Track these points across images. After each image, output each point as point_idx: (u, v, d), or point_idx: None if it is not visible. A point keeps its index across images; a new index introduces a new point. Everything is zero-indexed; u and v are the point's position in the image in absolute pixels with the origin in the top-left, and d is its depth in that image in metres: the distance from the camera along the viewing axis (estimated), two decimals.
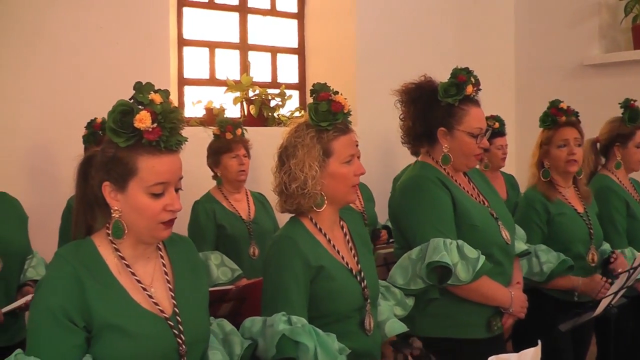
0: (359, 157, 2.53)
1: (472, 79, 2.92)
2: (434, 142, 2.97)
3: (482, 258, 2.77)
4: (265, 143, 4.66)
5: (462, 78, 2.90)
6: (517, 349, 3.16)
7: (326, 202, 2.45)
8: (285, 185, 2.42)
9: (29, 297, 3.18)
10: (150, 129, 1.91)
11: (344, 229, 2.58)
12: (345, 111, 2.45)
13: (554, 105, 3.60)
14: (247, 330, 2.37)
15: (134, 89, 1.96)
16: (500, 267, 2.91)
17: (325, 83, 2.51)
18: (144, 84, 1.97)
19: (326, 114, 2.41)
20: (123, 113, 1.92)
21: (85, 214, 2.07)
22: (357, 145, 2.54)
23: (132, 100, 1.95)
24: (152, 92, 1.95)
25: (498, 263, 2.89)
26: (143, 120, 1.90)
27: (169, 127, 1.93)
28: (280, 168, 2.46)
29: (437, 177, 2.90)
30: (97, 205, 2.04)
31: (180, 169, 2.01)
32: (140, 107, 1.93)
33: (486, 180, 3.18)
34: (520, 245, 3.14)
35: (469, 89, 2.90)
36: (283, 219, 4.45)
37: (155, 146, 1.93)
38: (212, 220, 4.13)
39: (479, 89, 2.96)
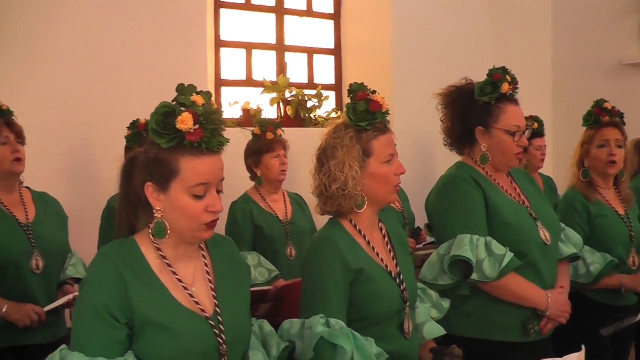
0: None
1: (508, 77, 2.92)
2: (474, 142, 2.97)
3: (510, 255, 2.75)
4: (302, 144, 4.68)
5: (498, 76, 2.90)
6: (557, 353, 3.10)
7: (367, 203, 2.44)
8: (325, 186, 2.41)
9: (70, 297, 3.24)
10: (192, 130, 1.92)
11: (383, 231, 2.56)
12: (384, 110, 2.44)
13: (599, 104, 3.56)
14: (286, 332, 2.37)
15: (177, 91, 1.97)
16: (535, 267, 2.87)
17: (363, 83, 2.50)
18: (186, 86, 1.98)
19: (365, 113, 2.40)
20: (165, 115, 1.94)
21: (128, 214, 2.09)
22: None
23: (174, 102, 1.96)
24: (194, 94, 1.96)
25: (533, 263, 2.86)
26: (185, 121, 1.91)
27: (211, 128, 1.94)
28: (320, 170, 2.44)
29: (471, 176, 2.90)
30: (140, 205, 2.06)
31: (221, 170, 2.02)
32: (182, 109, 1.94)
33: (534, 183, 3.16)
34: (569, 249, 3.07)
35: (505, 87, 2.90)
36: (320, 220, 4.47)
37: (197, 147, 1.94)
38: (249, 220, 4.14)
39: (517, 88, 2.96)
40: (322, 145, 2.46)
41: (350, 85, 2.50)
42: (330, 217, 2.52)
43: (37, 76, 4.18)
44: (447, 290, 2.83)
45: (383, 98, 2.46)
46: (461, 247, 2.74)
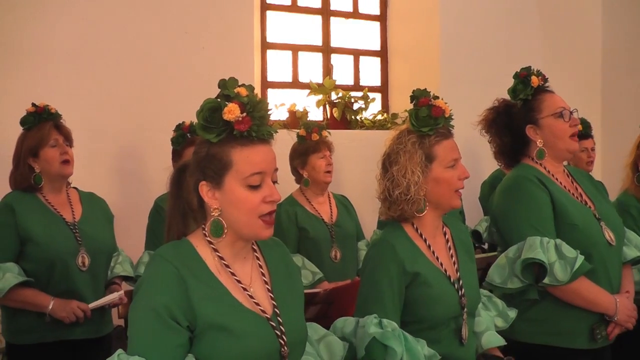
0: None
1: (534, 72, 2.95)
2: (529, 143, 2.94)
3: (581, 258, 2.70)
4: (348, 146, 4.68)
5: (523, 74, 2.95)
6: None
7: (429, 207, 2.45)
8: (389, 191, 2.43)
9: (115, 295, 3.32)
10: (241, 119, 1.90)
11: (447, 236, 2.57)
12: (447, 116, 2.45)
13: None
14: (339, 330, 2.38)
15: (219, 86, 1.95)
16: (603, 269, 2.82)
17: (425, 88, 2.51)
18: (227, 79, 1.96)
19: (427, 119, 2.42)
20: (211, 109, 1.92)
21: (177, 223, 2.06)
22: None
23: (218, 99, 1.95)
24: (236, 86, 1.95)
25: (600, 265, 2.80)
26: (232, 111, 1.89)
27: (259, 116, 1.92)
28: (384, 175, 2.47)
29: (536, 176, 2.86)
30: (190, 211, 2.04)
31: (274, 159, 1.99)
32: (227, 102, 1.92)
33: (594, 183, 3.11)
34: (632, 252, 3.00)
35: (534, 80, 2.92)
36: (366, 222, 4.44)
37: (247, 137, 1.92)
38: (293, 222, 4.13)
39: (546, 79, 2.97)
40: (386, 150, 2.49)
41: (413, 91, 2.52)
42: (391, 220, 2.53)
43: (86, 79, 4.24)
44: (514, 294, 2.80)
45: (446, 103, 2.47)
46: (533, 250, 2.69)
